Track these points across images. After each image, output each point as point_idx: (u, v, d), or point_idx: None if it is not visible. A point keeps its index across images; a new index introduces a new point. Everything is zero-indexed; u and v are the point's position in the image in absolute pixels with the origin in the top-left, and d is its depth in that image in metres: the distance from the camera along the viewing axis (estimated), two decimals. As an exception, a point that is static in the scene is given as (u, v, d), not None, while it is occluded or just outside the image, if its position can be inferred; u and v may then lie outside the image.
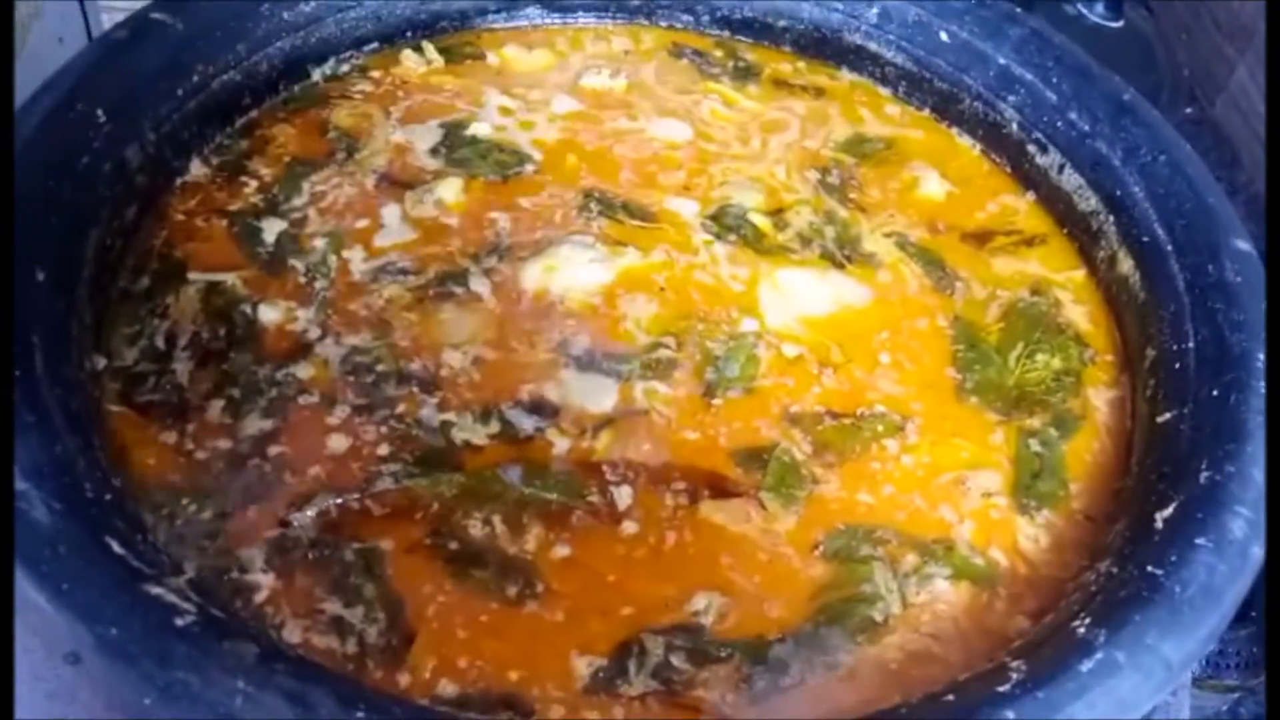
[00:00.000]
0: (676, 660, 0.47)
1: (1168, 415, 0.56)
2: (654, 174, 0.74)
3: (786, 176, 0.75)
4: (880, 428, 0.59)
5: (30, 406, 0.46)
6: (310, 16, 0.77)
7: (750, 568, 0.52)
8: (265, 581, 0.48)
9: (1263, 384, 0.52)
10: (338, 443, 0.55)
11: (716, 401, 0.59)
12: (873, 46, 0.84)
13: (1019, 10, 0.78)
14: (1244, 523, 0.47)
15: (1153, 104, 0.69)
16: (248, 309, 0.61)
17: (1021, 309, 0.67)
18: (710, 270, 0.67)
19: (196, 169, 0.69)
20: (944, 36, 0.80)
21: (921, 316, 0.66)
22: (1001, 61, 0.77)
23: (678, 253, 0.68)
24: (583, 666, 0.47)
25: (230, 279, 0.63)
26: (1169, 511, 0.49)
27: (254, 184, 0.69)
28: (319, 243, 0.65)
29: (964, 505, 0.56)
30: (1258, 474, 0.49)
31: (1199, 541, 0.46)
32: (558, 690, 0.46)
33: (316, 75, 0.78)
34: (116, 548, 0.42)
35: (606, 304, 0.64)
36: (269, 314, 0.61)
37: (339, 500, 0.51)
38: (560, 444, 0.56)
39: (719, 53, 0.85)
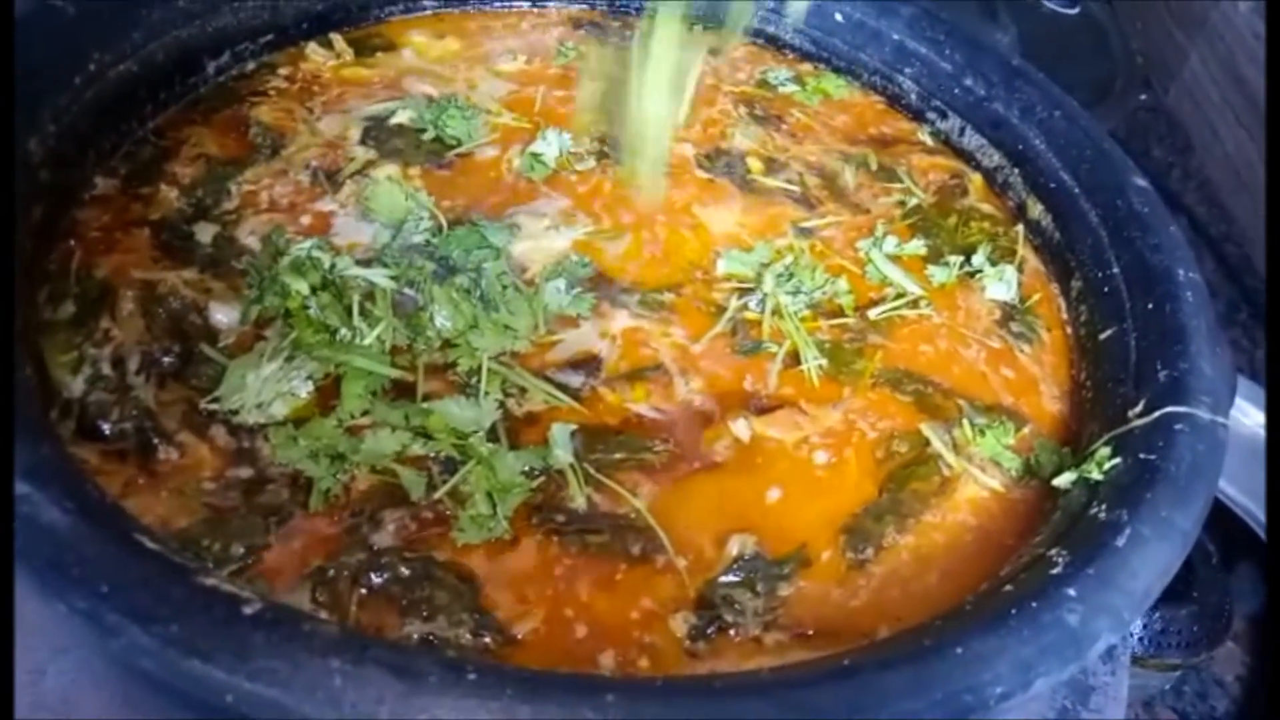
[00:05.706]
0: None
1: (1109, 331, 0.62)
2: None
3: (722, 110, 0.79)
4: (900, 300, 0.65)
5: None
6: (207, 5, 0.72)
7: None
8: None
9: (1190, 293, 0.59)
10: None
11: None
12: (771, 29, 0.88)
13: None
14: (1207, 408, 0.52)
15: (1108, 91, 0.77)
16: (196, 317, 0.56)
17: (948, 188, 0.76)
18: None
19: (103, 183, 0.63)
20: (838, 17, 0.85)
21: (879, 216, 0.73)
22: (895, 38, 0.83)
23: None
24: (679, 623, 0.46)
25: (170, 279, 0.57)
26: (1140, 408, 0.54)
27: (174, 191, 0.63)
28: (256, 242, 0.60)
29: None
30: (1206, 367, 0.55)
31: (1177, 428, 0.51)
32: (665, 646, 0.46)
33: (211, 68, 0.73)
34: (149, 543, 0.37)
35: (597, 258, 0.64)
36: (223, 316, 0.56)
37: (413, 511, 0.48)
38: (610, 400, 0.55)
39: (616, 24, 0.87)
